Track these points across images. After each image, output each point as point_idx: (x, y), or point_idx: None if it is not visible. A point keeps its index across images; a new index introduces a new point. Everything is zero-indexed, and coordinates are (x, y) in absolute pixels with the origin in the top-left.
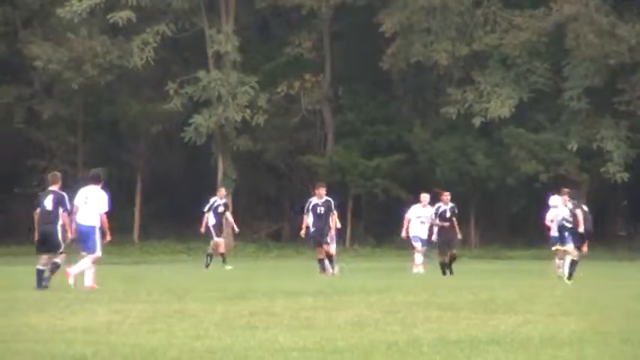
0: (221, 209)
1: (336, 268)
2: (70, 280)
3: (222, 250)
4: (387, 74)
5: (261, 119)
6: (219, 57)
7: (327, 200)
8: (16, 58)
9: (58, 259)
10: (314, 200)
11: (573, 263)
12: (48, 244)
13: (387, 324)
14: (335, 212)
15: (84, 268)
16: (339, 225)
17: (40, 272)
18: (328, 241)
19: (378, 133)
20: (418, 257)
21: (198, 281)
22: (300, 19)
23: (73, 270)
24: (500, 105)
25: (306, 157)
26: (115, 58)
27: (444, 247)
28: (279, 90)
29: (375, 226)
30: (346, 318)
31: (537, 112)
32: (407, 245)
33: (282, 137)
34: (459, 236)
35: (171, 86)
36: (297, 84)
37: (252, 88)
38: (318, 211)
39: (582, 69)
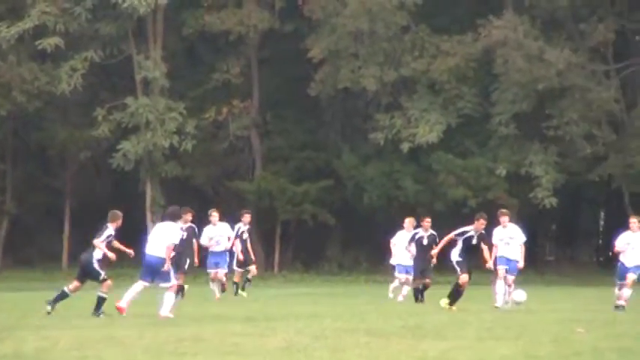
0: (245, 236)
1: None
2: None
3: (237, 278)
4: (315, 100)
5: (189, 145)
6: (147, 83)
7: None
8: None
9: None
10: (242, 226)
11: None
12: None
13: (315, 350)
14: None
15: (171, 303)
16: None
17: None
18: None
19: (306, 158)
20: (404, 288)
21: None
22: (227, 45)
23: (163, 312)
24: (429, 130)
25: (234, 183)
26: (44, 84)
27: (419, 274)
28: (207, 116)
29: (304, 252)
30: (275, 344)
31: (465, 138)
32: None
33: (210, 163)
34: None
35: (99, 112)
36: (225, 110)
37: (180, 114)
38: (244, 237)
39: (510, 94)
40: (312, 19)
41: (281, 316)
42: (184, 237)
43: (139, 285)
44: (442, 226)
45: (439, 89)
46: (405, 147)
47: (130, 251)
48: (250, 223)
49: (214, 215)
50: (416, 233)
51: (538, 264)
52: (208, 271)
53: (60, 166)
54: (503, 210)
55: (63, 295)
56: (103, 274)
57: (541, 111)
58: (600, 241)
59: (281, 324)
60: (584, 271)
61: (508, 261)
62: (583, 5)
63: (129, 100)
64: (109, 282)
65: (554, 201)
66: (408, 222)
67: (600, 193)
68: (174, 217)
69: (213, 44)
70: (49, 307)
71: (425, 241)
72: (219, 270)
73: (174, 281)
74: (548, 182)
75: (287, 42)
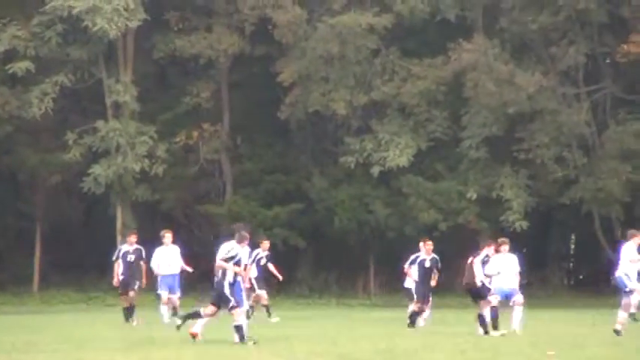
0: (263, 261)
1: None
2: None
3: (264, 302)
4: (285, 123)
5: (159, 169)
6: (117, 107)
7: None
8: None
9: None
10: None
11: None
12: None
13: None
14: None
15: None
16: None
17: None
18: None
19: (277, 182)
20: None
21: (98, 330)
22: (198, 68)
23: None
24: (399, 154)
25: (205, 207)
26: (14, 108)
27: (421, 298)
28: (177, 140)
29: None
30: None
31: (436, 161)
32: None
33: (181, 187)
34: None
35: (70, 136)
36: (195, 134)
37: (151, 137)
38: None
39: (481, 117)
40: (282, 42)
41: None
42: (132, 259)
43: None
44: (413, 250)
45: (409, 113)
46: (376, 171)
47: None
48: (270, 250)
49: (167, 236)
50: (417, 256)
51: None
52: (159, 292)
53: (31, 190)
54: (504, 239)
55: (195, 315)
56: (232, 301)
57: (512, 134)
58: (571, 265)
59: (253, 347)
60: (556, 294)
61: (502, 291)
62: (553, 29)
63: (99, 123)
64: (238, 310)
65: (524, 224)
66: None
67: (571, 217)
68: (241, 240)
69: (184, 68)
70: (178, 321)
71: (427, 264)
72: (172, 295)
73: (243, 306)
74: (519, 206)
75: (257, 66)
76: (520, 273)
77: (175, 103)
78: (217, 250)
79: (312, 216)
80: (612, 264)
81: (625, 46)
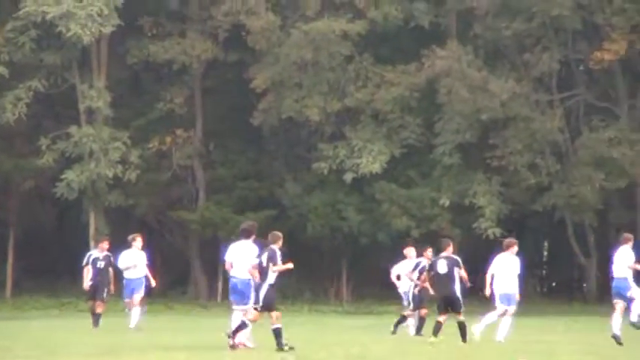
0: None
1: None
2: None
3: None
4: (258, 130)
5: (132, 175)
6: (90, 112)
7: None
8: None
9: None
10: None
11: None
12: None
13: None
14: None
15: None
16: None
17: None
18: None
19: (250, 188)
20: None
21: (71, 336)
22: (171, 74)
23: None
24: (372, 160)
25: (178, 213)
26: None
27: (419, 304)
28: (150, 145)
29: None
30: None
31: (409, 168)
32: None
33: (154, 193)
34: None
35: (43, 142)
36: (168, 139)
37: (124, 143)
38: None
39: (454, 124)
40: (255, 49)
41: (225, 345)
42: (102, 266)
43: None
44: (386, 256)
45: (383, 119)
46: (349, 177)
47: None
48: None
49: (138, 240)
50: (419, 263)
51: (482, 294)
52: (125, 298)
53: (4, 195)
54: (513, 240)
55: (242, 326)
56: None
57: (485, 141)
58: (544, 272)
59: (226, 354)
60: (528, 301)
61: (508, 297)
62: (527, 36)
63: (73, 129)
64: (277, 313)
65: (497, 231)
66: (410, 252)
67: (544, 224)
68: (249, 234)
69: (157, 74)
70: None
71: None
72: (134, 296)
73: (251, 307)
74: (492, 212)
75: (230, 72)
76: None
77: (149, 108)
78: (225, 252)
79: (285, 222)
80: (585, 271)
81: (598, 53)
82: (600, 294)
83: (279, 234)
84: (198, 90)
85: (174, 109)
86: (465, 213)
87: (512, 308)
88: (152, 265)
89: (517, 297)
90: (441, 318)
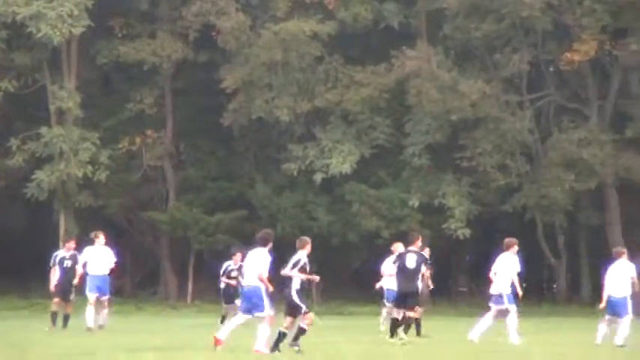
0: (234, 274)
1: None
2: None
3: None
4: (228, 130)
5: (102, 175)
6: (61, 113)
7: None
8: None
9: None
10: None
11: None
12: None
13: None
14: None
15: (266, 336)
16: None
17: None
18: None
19: (220, 189)
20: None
21: (41, 337)
22: (141, 75)
23: (258, 346)
24: (342, 161)
25: (148, 213)
26: None
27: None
28: (120, 146)
29: (218, 282)
30: None
31: (379, 168)
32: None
33: (124, 193)
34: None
35: (13, 142)
36: (138, 140)
37: (94, 144)
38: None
39: (424, 125)
40: (225, 49)
41: (195, 346)
42: (69, 265)
43: (241, 317)
44: (356, 256)
45: (353, 120)
46: (318, 178)
47: (316, 278)
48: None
49: (101, 237)
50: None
51: (451, 295)
52: (88, 294)
53: None
54: (513, 239)
55: (281, 336)
56: (304, 307)
57: (454, 142)
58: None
59: (195, 354)
60: None
61: (509, 297)
62: (497, 36)
63: (43, 130)
64: (310, 315)
65: (467, 232)
66: (398, 247)
67: (514, 225)
68: (265, 242)
69: (127, 74)
70: (274, 351)
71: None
72: (102, 297)
73: (269, 312)
74: (462, 213)
75: (201, 72)
76: (519, 274)
77: (119, 109)
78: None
79: (255, 223)
80: (554, 271)
81: (568, 54)
82: (570, 295)
83: (307, 239)
84: (168, 90)
85: (145, 110)
86: (435, 214)
87: (514, 307)
88: (120, 264)
89: (520, 295)
90: (399, 314)
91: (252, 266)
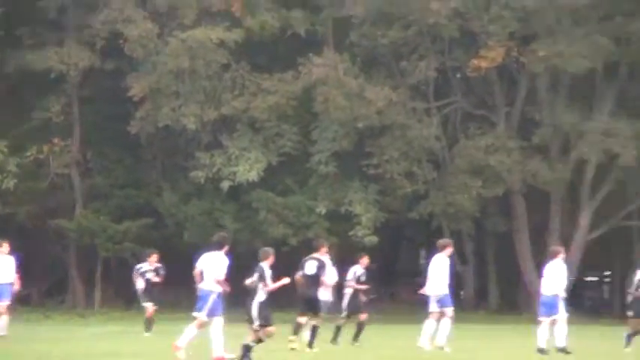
0: (149, 275)
1: None
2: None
3: (148, 315)
4: (135, 138)
5: (10, 183)
6: None
7: None
8: None
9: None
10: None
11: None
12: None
13: None
14: None
15: (191, 335)
16: None
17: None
18: None
19: (127, 196)
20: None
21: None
22: (48, 83)
23: (180, 342)
24: (249, 169)
25: (56, 221)
26: None
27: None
28: (28, 154)
29: (125, 290)
30: None
31: (286, 176)
32: None
33: (32, 201)
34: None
35: None
36: (46, 148)
37: (2, 152)
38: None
39: (331, 132)
40: (133, 57)
41: (102, 354)
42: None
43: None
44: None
45: (259, 127)
46: (225, 185)
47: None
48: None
49: (5, 246)
50: (355, 271)
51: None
52: None
53: None
54: (447, 240)
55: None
56: (260, 321)
57: (361, 149)
58: (420, 280)
59: None
60: (405, 309)
61: (443, 300)
62: (404, 43)
63: None
64: (272, 329)
65: (374, 239)
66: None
67: (421, 232)
68: (220, 246)
69: (35, 82)
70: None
71: (364, 278)
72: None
73: (203, 317)
74: (368, 221)
75: (108, 80)
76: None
77: (26, 117)
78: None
79: (161, 231)
80: (461, 278)
81: (475, 61)
82: (478, 301)
83: (269, 250)
84: (75, 98)
85: (52, 118)
86: (342, 221)
87: (450, 310)
88: (28, 272)
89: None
90: (302, 319)
91: (209, 270)
